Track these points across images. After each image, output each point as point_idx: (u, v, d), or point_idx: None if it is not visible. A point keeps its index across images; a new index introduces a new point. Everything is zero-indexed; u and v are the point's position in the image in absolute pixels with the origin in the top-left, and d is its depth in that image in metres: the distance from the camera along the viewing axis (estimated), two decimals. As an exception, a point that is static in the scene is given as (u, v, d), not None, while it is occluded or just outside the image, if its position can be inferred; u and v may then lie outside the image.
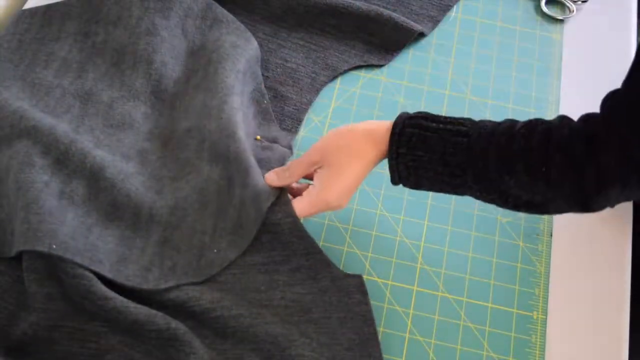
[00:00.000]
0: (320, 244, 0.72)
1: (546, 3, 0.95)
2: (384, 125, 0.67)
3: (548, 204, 0.62)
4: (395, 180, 0.67)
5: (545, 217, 0.77)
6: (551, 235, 0.76)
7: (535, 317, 0.71)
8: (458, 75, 0.89)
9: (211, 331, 0.67)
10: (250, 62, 0.84)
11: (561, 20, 0.94)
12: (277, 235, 0.70)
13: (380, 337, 0.68)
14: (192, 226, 0.72)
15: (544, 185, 0.61)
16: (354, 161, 0.66)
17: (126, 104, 0.81)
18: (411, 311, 0.71)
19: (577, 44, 0.92)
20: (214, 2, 0.88)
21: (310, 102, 0.84)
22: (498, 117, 0.66)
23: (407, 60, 0.90)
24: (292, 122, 0.83)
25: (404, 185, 0.67)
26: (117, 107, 0.80)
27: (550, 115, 0.85)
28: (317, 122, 0.84)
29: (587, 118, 0.61)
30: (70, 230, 0.68)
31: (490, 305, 0.72)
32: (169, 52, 0.84)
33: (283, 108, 0.84)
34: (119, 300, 0.65)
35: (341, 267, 0.71)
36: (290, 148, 0.80)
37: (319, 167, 0.68)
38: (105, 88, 0.82)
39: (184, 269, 0.69)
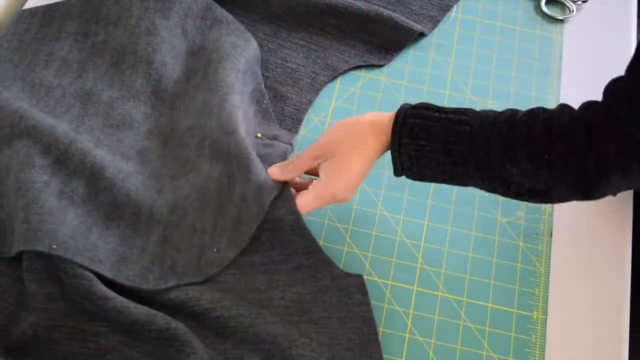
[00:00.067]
0: (321, 244, 0.72)
1: (546, 3, 0.95)
2: (386, 116, 0.67)
3: (550, 192, 0.62)
4: (398, 172, 0.67)
5: (545, 217, 0.77)
6: (551, 235, 0.76)
7: (535, 317, 0.71)
8: (458, 75, 0.89)
9: (211, 331, 0.67)
10: (250, 62, 0.84)
11: (561, 20, 0.94)
12: (277, 233, 0.69)
13: (380, 337, 0.67)
14: (192, 225, 0.72)
15: (545, 173, 0.61)
16: (359, 152, 0.66)
17: (126, 104, 0.81)
18: (411, 311, 0.71)
19: (577, 44, 0.92)
20: (213, 2, 0.88)
21: (310, 102, 0.84)
22: (498, 115, 0.66)
23: (407, 60, 0.90)
24: (292, 122, 0.83)
25: (407, 176, 0.67)
26: (117, 107, 0.80)
27: (550, 115, 0.85)
28: (317, 122, 0.84)
29: (587, 106, 0.61)
30: (70, 230, 0.68)
31: (490, 305, 0.72)
32: (169, 52, 0.84)
33: (283, 108, 0.84)
34: (119, 300, 0.65)
35: (341, 267, 0.71)
36: (291, 144, 0.80)
37: (324, 160, 0.68)
38: (105, 88, 0.82)
39: (184, 268, 0.69)
